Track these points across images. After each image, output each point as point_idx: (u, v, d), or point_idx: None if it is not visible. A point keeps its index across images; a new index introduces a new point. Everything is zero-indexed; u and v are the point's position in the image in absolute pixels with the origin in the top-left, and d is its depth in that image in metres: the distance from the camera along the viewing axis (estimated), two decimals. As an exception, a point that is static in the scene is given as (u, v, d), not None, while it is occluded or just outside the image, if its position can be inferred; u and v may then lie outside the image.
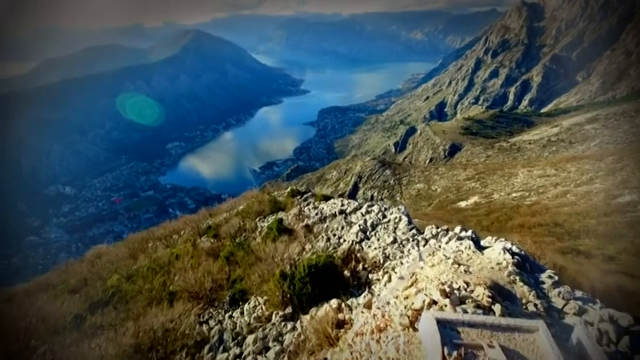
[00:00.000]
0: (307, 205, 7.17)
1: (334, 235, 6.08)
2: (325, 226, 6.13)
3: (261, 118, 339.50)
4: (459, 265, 4.46)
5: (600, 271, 17.01)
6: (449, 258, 4.55)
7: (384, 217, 6.30)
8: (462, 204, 49.36)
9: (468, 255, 4.62)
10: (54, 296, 7.87)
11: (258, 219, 7.09)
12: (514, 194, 46.26)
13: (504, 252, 4.61)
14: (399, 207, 6.21)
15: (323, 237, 5.84)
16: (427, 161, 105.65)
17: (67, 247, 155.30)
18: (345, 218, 6.44)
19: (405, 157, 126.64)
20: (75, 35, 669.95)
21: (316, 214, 6.59)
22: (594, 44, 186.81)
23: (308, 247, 5.71)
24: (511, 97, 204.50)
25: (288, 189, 9.37)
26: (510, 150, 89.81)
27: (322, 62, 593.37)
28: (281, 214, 6.84)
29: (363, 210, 7.10)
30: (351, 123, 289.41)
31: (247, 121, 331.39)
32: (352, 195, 79.43)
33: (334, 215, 6.57)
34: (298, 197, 7.84)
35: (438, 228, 5.89)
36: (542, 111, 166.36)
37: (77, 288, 7.60)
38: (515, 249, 4.89)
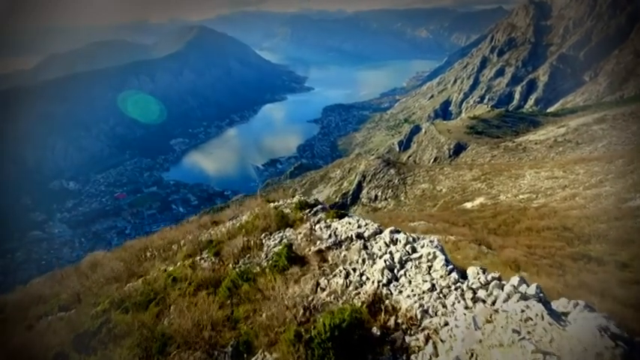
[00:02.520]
0: (318, 222, 6.33)
1: (354, 269, 4.92)
2: (342, 255, 5.18)
3: (265, 114, 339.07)
4: (538, 350, 3.14)
5: (617, 280, 16.45)
6: (519, 334, 3.33)
7: (414, 250, 5.01)
8: (468, 205, 48.70)
9: (543, 330, 3.30)
10: (43, 313, 7.42)
11: (263, 235, 6.43)
12: (521, 196, 45.55)
13: (600, 333, 3.05)
14: (431, 240, 4.97)
15: (341, 271, 4.88)
16: (432, 160, 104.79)
17: (70, 242, 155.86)
18: (364, 246, 5.35)
19: (409, 156, 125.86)
20: (80, 31, 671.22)
21: (329, 235, 5.65)
22: (602, 43, 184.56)
23: (323, 282, 4.80)
24: (517, 96, 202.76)
25: (296, 199, 8.72)
26: (516, 150, 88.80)
27: (326, 59, 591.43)
28: (289, 232, 6.14)
29: (386, 237, 5.77)
30: (355, 121, 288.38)
31: (251, 117, 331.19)
32: (356, 194, 78.90)
33: (350, 239, 5.60)
34: (307, 211, 7.05)
35: (485, 273, 4.70)
36: (549, 111, 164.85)
37: (68, 305, 7.12)
38: (613, 328, 3.16)
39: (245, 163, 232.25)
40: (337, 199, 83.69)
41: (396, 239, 5.34)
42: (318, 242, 5.40)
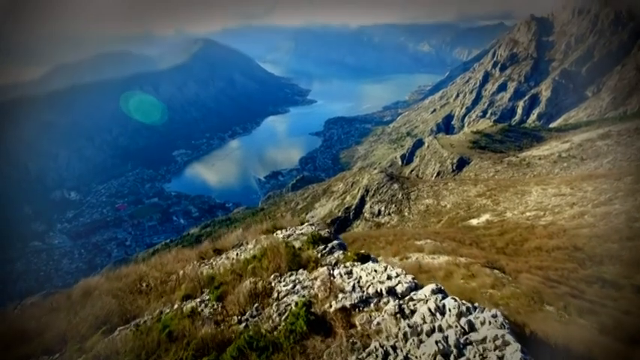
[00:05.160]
0: (336, 264, 5.50)
1: (394, 348, 3.47)
2: (374, 322, 4.10)
3: (268, 127, 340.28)
4: None
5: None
6: None
7: (471, 327, 3.36)
8: (474, 222, 47.86)
9: None
10: (25, 356, 6.77)
11: (273, 276, 5.68)
12: (528, 213, 44.75)
13: None
14: (494, 313, 3.78)
15: (377, 349, 3.65)
16: (435, 175, 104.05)
17: (69, 253, 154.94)
18: (399, 308, 4.10)
19: (412, 170, 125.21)
20: (87, 41, 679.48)
21: (353, 287, 4.65)
22: (604, 59, 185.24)
23: (353, 360, 3.69)
24: (519, 111, 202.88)
25: (306, 228, 7.99)
26: (520, 165, 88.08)
27: (329, 72, 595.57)
28: (302, 275, 5.36)
29: (430, 303, 4.29)
30: (357, 134, 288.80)
31: (253, 129, 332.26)
32: (359, 209, 78.02)
33: (379, 295, 4.55)
34: (322, 247, 6.27)
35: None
36: (552, 126, 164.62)
37: (53, 347, 6.46)
38: None
39: (247, 175, 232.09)
40: (340, 214, 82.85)
41: (444, 306, 4.04)
42: (340, 296, 4.56)
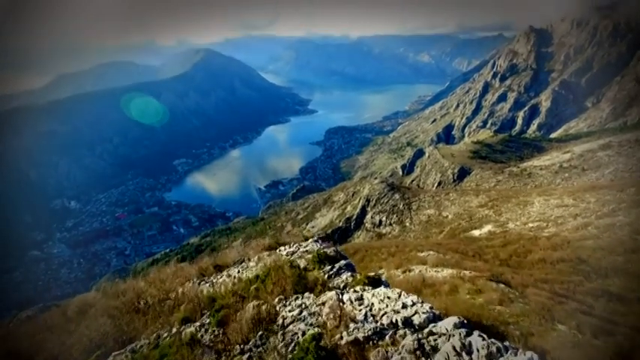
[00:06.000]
0: (344, 288, 5.15)
1: None
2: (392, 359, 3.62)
3: (268, 136, 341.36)
4: None
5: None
6: None
7: None
8: (476, 233, 47.47)
9: None
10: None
11: (277, 299, 5.37)
12: (531, 224, 44.36)
13: None
14: (530, 357, 3.19)
15: None
16: (435, 185, 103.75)
17: (68, 262, 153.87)
18: (420, 345, 3.45)
19: (412, 180, 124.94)
20: (89, 51, 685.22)
21: (365, 316, 4.20)
22: (603, 70, 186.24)
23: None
24: (519, 121, 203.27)
25: (310, 246, 7.69)
26: (521, 175, 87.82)
27: (330, 82, 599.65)
28: (309, 300, 5.03)
29: (454, 340, 3.69)
30: (357, 143, 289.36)
31: (254, 139, 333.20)
32: (360, 219, 77.56)
33: (395, 327, 4.04)
34: (328, 268, 5.93)
35: None
36: (552, 136, 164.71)
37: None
38: None
39: (247, 185, 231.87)
40: (341, 224, 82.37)
41: (470, 344, 3.45)
42: (352, 326, 4.20)
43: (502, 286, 15.61)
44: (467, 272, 19.07)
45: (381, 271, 24.60)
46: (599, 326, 9.86)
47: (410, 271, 22.62)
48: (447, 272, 19.31)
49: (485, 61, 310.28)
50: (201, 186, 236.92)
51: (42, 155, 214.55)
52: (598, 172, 78.89)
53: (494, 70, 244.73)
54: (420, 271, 21.63)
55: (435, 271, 20.38)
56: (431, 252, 31.26)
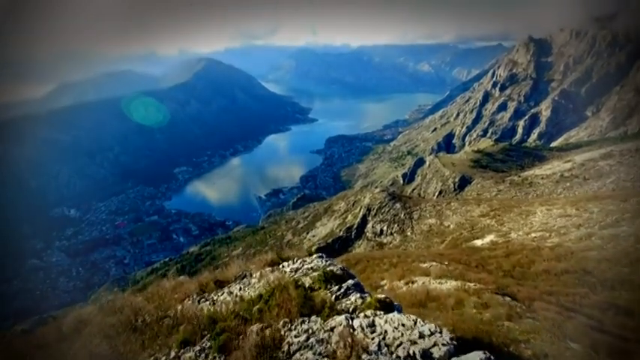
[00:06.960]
0: (354, 312, 4.84)
1: None
2: None
3: (269, 145, 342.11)
4: None
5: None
6: None
7: None
8: (478, 243, 47.01)
9: None
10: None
11: (282, 324, 5.08)
12: (533, 234, 43.93)
13: None
14: None
15: None
16: (436, 193, 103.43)
17: (67, 271, 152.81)
18: None
19: (413, 189, 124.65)
20: (91, 60, 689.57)
21: (378, 346, 3.84)
22: (603, 80, 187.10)
23: None
24: (520, 130, 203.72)
25: (315, 262, 7.40)
26: (522, 184, 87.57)
27: (330, 91, 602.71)
28: (316, 325, 4.72)
29: None
30: (358, 152, 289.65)
31: (255, 147, 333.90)
32: (361, 228, 77.11)
33: (412, 359, 3.66)
34: (335, 289, 5.65)
35: None
36: (553, 145, 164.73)
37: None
38: None
39: (248, 193, 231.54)
40: (341, 233, 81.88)
41: None
42: (365, 357, 3.89)
43: (508, 299, 15.26)
44: (471, 284, 18.69)
45: (383, 282, 24.25)
46: (614, 345, 9.54)
47: (413, 282, 22.21)
48: (450, 284, 18.92)
49: (484, 71, 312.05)
50: (201, 194, 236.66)
51: (42, 164, 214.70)
52: (599, 182, 78.59)
53: (494, 79, 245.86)
54: (423, 282, 21.25)
55: (439, 283, 19.99)
56: (434, 263, 30.88)
